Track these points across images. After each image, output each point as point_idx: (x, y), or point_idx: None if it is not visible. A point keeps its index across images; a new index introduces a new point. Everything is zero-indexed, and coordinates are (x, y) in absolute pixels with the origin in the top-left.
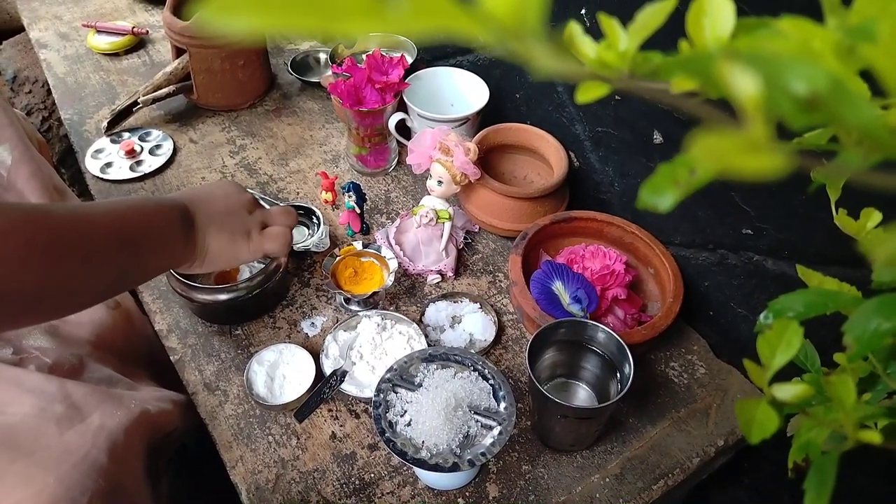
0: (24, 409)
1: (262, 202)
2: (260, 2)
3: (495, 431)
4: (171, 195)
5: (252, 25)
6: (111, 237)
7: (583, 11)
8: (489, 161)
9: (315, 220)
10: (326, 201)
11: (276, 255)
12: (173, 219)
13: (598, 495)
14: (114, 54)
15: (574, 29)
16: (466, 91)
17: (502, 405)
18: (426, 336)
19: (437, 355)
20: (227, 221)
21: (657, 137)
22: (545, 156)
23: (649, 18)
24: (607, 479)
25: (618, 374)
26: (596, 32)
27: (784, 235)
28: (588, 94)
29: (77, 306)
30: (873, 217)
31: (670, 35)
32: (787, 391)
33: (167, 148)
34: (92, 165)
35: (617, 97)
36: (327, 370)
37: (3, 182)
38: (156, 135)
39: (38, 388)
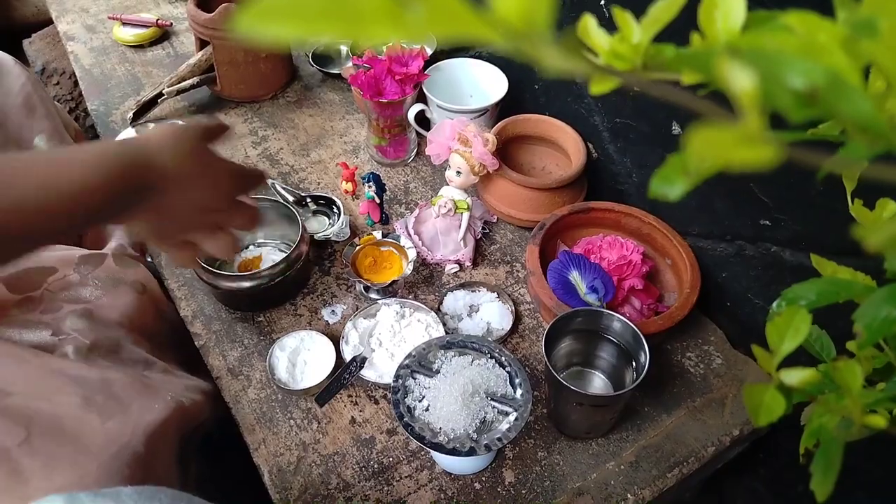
0: (70, 398)
1: (281, 191)
2: (292, 12)
3: (511, 417)
4: (155, 158)
5: (285, 34)
6: None
7: (602, 2)
8: (508, 152)
9: (335, 210)
10: (346, 191)
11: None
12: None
13: (612, 482)
14: (139, 46)
15: (589, 22)
16: (485, 82)
17: (518, 392)
18: (444, 324)
19: (454, 342)
20: (176, 213)
21: (676, 129)
22: (563, 147)
23: (662, 12)
24: (622, 467)
25: (633, 363)
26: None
27: (802, 226)
28: (600, 86)
29: None
30: (889, 207)
31: (684, 28)
32: (795, 376)
33: None
34: None
35: (635, 88)
36: (347, 356)
37: None
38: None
39: (80, 378)
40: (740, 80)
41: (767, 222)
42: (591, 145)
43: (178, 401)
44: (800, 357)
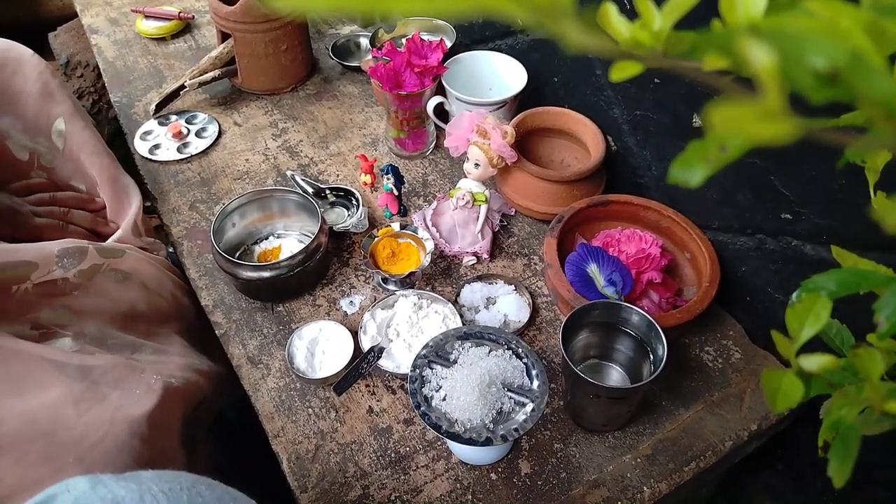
0: (45, 390)
1: (301, 182)
2: None
3: (528, 408)
4: None
5: (310, 6)
6: None
7: None
8: (526, 144)
9: (354, 202)
10: (365, 183)
11: None
12: None
13: (629, 475)
14: (161, 39)
15: (609, 9)
16: (505, 75)
17: (535, 383)
18: (461, 316)
19: (471, 333)
20: None
21: (696, 121)
22: (582, 139)
23: None
24: (639, 460)
25: (651, 357)
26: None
27: (823, 220)
28: (622, 72)
29: None
30: None
31: (706, 15)
32: (814, 362)
33: (212, 130)
34: (140, 147)
35: (656, 80)
36: (365, 347)
37: (59, 154)
38: (201, 118)
39: (59, 364)
40: (759, 57)
41: (788, 216)
42: (610, 138)
43: (167, 382)
44: (820, 351)
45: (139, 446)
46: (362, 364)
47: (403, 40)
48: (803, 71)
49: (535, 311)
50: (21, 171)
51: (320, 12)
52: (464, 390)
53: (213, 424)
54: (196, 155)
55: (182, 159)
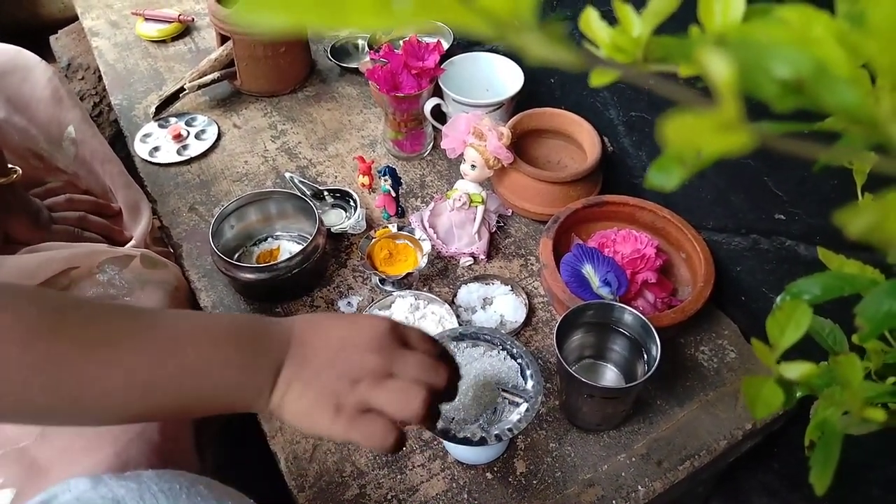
0: None
1: (299, 184)
2: (282, 1)
3: (522, 408)
4: (290, 321)
5: (275, 22)
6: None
7: None
8: (523, 146)
9: (352, 204)
10: (363, 185)
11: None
12: (247, 366)
13: (623, 474)
14: (161, 41)
15: (590, 14)
16: (501, 76)
17: (530, 383)
18: (458, 317)
19: (467, 334)
20: (318, 382)
21: None
22: (579, 140)
23: (662, 4)
24: (633, 459)
25: (645, 356)
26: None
27: (816, 221)
28: (600, 78)
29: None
30: None
31: (688, 21)
32: (795, 370)
33: (212, 133)
34: (140, 149)
35: (651, 81)
36: None
37: (70, 160)
38: (201, 120)
39: None
40: (717, 67)
41: (782, 216)
42: (606, 139)
43: None
44: (813, 351)
45: (165, 445)
46: None
47: (401, 42)
48: (768, 80)
49: (531, 312)
50: (37, 176)
51: (291, 27)
52: (459, 390)
53: (220, 428)
54: (196, 157)
55: (182, 161)
